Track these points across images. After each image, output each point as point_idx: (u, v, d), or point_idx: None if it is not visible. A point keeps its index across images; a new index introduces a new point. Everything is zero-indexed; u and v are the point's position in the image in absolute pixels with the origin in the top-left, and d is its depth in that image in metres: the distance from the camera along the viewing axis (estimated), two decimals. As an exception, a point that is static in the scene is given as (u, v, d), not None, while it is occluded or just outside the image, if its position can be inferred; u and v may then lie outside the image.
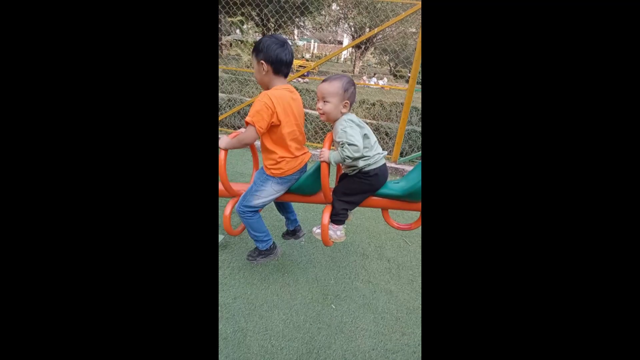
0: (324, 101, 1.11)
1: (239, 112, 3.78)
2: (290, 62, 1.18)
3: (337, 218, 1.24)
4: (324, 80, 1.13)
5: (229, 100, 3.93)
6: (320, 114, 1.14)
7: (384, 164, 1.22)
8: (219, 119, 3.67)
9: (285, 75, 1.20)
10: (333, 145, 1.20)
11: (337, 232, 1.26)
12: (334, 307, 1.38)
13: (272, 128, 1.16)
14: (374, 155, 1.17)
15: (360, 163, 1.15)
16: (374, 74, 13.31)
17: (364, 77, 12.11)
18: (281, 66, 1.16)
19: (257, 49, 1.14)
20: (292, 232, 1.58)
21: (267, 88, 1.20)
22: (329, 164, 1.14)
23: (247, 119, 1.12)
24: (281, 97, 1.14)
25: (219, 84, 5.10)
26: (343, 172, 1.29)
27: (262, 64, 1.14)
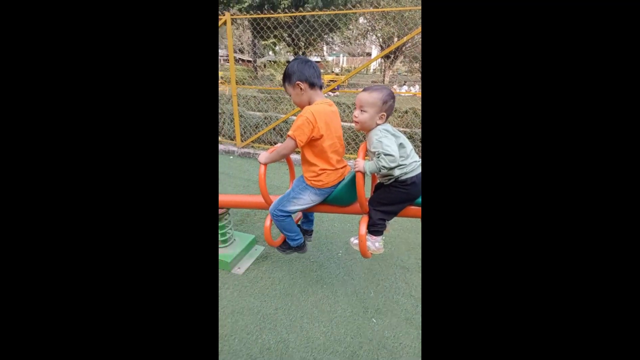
0: (361, 110, 1.13)
1: (274, 129, 3.95)
2: (320, 73, 1.25)
3: (375, 229, 1.23)
4: (364, 89, 1.15)
5: (265, 118, 4.14)
6: (355, 122, 1.16)
7: (421, 172, 1.19)
8: (257, 135, 3.87)
9: (321, 87, 1.25)
10: (367, 155, 1.20)
11: (375, 244, 1.24)
12: (374, 321, 1.35)
13: (314, 141, 1.21)
14: (411, 163, 1.15)
15: (397, 172, 1.14)
16: (405, 82, 13.10)
17: (395, 86, 11.98)
18: (314, 78, 1.22)
19: (289, 75, 1.22)
20: (303, 232, 1.60)
21: (307, 104, 1.26)
22: (364, 173, 1.14)
23: (289, 133, 1.19)
24: (322, 111, 1.20)
25: (255, 103, 5.40)
26: (378, 181, 1.28)
27: (297, 85, 1.21)
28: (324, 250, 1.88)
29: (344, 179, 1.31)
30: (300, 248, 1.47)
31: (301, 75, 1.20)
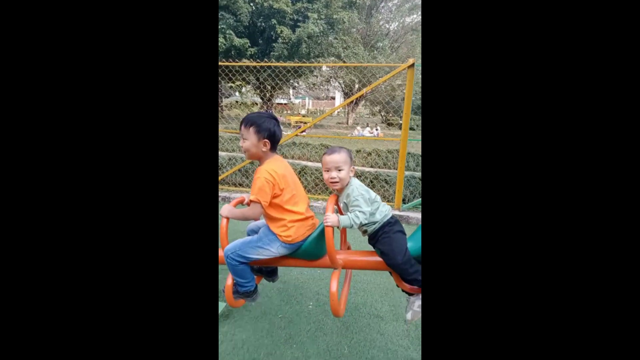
0: (338, 169, 1.17)
1: (239, 170, 3.87)
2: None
3: (417, 285, 1.12)
4: (330, 153, 1.19)
5: (229, 159, 4.06)
6: (335, 182, 1.17)
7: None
8: (222, 177, 3.75)
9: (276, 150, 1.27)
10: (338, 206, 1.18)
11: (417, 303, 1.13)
12: (350, 385, 1.19)
13: (275, 197, 1.18)
14: (382, 207, 1.19)
15: (378, 217, 1.16)
16: (367, 124, 14.06)
17: (358, 128, 12.77)
18: (277, 143, 1.25)
19: (260, 127, 1.21)
20: (269, 273, 1.46)
21: (258, 159, 1.26)
22: (334, 227, 1.12)
23: (252, 197, 1.16)
24: (277, 167, 1.21)
25: (220, 143, 5.33)
26: (368, 234, 1.21)
27: (266, 142, 1.20)
28: (293, 303, 1.75)
29: (313, 233, 1.27)
30: (249, 295, 1.29)
31: (273, 137, 1.21)
